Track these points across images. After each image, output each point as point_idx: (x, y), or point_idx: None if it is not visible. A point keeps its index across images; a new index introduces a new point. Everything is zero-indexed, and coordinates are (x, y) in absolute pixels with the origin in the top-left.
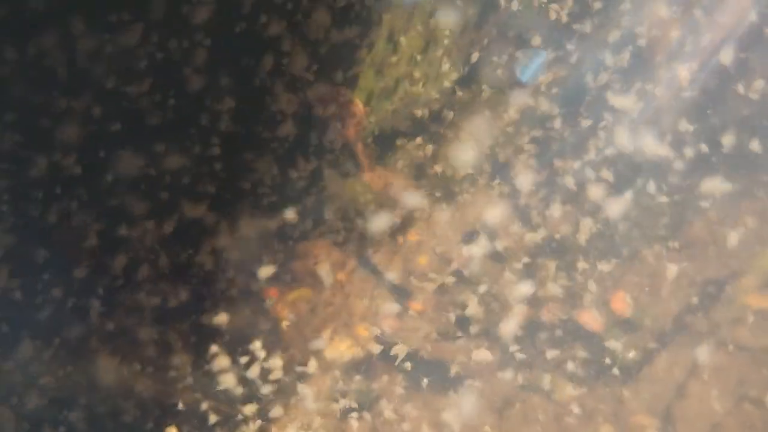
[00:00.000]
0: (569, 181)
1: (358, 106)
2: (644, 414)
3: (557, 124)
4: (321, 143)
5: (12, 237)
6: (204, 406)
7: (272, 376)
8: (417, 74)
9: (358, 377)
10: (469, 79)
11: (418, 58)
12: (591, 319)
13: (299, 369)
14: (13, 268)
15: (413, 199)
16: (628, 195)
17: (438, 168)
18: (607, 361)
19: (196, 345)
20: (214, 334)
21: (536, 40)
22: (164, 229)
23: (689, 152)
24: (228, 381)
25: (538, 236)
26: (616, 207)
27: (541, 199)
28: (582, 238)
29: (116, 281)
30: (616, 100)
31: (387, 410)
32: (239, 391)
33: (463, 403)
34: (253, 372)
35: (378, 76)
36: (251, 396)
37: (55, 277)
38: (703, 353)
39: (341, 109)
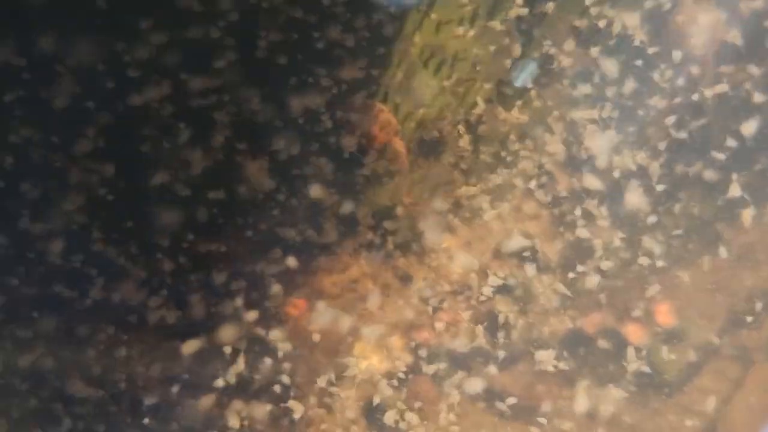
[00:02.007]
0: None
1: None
2: (688, 428)
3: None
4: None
5: None
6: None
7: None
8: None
9: (390, 389)
10: None
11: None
12: (635, 330)
13: (330, 382)
14: None
15: (445, 206)
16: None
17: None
18: (651, 373)
19: None
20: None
21: None
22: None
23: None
24: None
25: (579, 244)
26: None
27: (580, 207)
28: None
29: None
30: None
31: (419, 421)
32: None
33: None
34: None
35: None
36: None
37: None
38: (749, 366)
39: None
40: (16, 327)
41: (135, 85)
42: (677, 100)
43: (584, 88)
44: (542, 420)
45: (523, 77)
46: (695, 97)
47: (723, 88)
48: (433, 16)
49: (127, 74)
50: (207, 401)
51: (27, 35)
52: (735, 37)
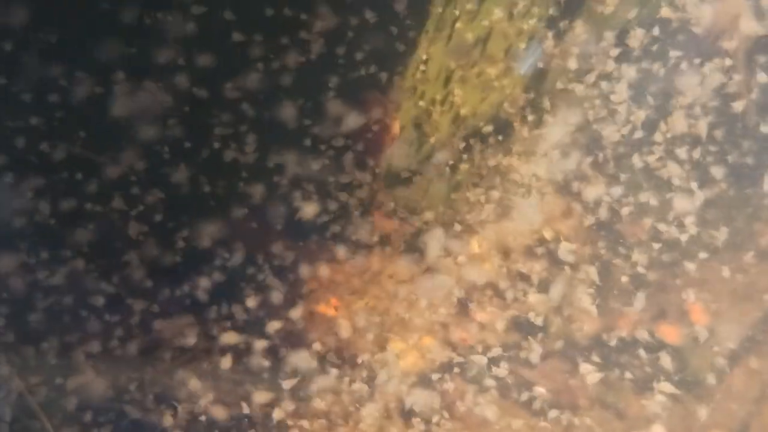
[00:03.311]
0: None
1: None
2: (720, 430)
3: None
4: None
5: None
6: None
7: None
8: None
9: (424, 389)
10: None
11: None
12: (671, 331)
13: (365, 382)
14: None
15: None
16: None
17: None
18: (684, 375)
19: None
20: None
21: None
22: None
23: None
24: None
25: (611, 244)
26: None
27: (610, 207)
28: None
29: None
30: None
31: (453, 421)
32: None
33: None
34: None
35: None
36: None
37: None
38: None
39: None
40: None
41: None
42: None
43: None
44: (576, 420)
45: (529, 64)
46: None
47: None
48: None
49: None
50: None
51: None
52: None
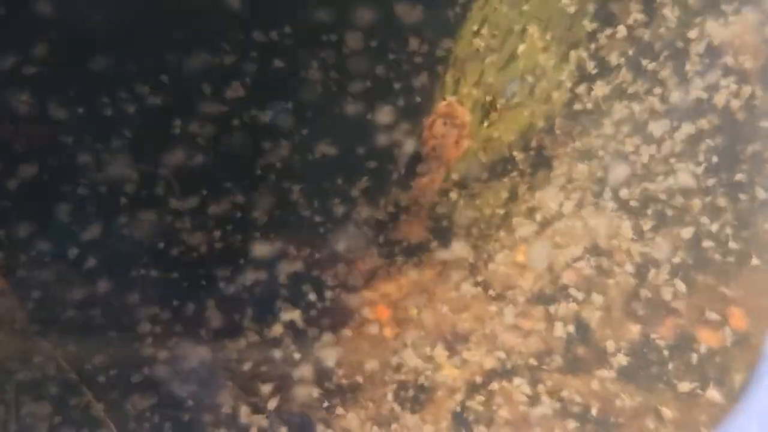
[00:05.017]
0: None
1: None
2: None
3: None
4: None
5: None
6: None
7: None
8: None
9: (472, 396)
10: None
11: None
12: (710, 336)
13: (413, 388)
14: None
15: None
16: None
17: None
18: (722, 377)
19: None
20: None
21: None
22: None
23: None
24: None
25: (648, 248)
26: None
27: (648, 212)
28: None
29: None
30: None
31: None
32: None
33: None
34: None
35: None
36: None
37: None
38: None
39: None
40: None
41: None
42: None
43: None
44: (620, 419)
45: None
46: None
47: None
48: None
49: None
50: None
51: None
52: None
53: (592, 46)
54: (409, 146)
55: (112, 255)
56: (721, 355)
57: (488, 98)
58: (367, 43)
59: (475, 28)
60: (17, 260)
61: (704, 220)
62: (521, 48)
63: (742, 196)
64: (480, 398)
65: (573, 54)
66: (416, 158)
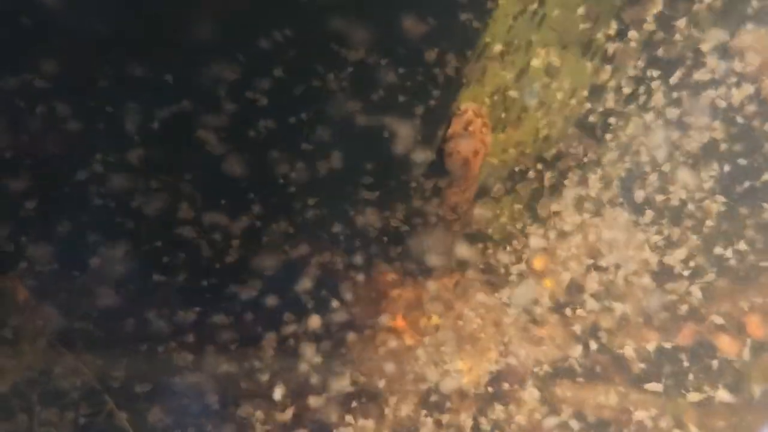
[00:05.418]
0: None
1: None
2: None
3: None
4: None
5: None
6: None
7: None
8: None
9: (490, 404)
10: None
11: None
12: (728, 343)
13: (433, 393)
14: None
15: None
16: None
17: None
18: (742, 385)
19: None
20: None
21: None
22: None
23: None
24: None
25: (666, 257)
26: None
27: (663, 224)
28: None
29: None
30: None
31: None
32: None
33: None
34: None
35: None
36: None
37: None
38: None
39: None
40: None
41: None
42: None
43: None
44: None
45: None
46: None
47: None
48: None
49: None
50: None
51: None
52: None
53: (607, 58)
54: (428, 157)
55: (135, 267)
56: (739, 363)
57: (503, 112)
58: (383, 56)
59: (489, 40)
60: (40, 272)
61: (721, 228)
62: (536, 61)
63: (763, 205)
64: (496, 406)
65: (588, 66)
66: (436, 169)
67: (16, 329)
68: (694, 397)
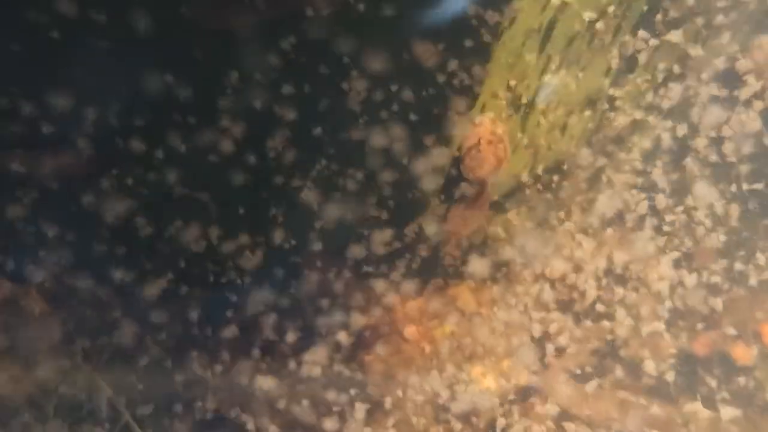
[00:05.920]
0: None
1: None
2: None
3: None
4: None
5: None
6: None
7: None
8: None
9: (509, 412)
10: None
11: None
12: (743, 352)
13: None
14: None
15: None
16: None
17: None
18: (759, 396)
19: None
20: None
21: None
22: None
23: None
24: None
25: (681, 268)
26: None
27: (681, 233)
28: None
29: None
30: None
31: None
32: None
33: None
34: None
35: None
36: None
37: None
38: None
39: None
40: None
41: None
42: None
43: None
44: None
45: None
46: None
47: None
48: None
49: None
50: None
51: None
52: None
53: (619, 74)
54: (447, 170)
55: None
56: (755, 371)
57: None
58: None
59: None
60: (59, 284)
61: (735, 239)
62: (548, 77)
63: None
64: (513, 416)
65: (602, 80)
66: (456, 181)
67: (32, 341)
68: (708, 405)
